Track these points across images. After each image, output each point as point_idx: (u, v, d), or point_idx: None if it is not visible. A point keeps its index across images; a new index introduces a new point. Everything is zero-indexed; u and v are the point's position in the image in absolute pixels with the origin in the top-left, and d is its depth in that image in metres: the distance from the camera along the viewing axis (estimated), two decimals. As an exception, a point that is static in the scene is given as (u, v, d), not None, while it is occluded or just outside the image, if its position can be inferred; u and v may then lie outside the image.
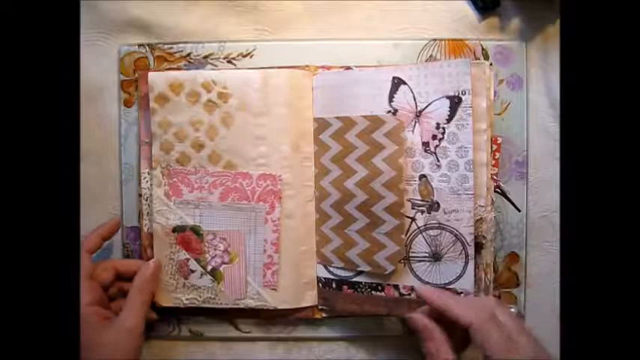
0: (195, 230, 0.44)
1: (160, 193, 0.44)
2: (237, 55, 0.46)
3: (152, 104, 0.44)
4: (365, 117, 0.43)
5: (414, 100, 0.42)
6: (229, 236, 0.44)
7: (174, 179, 0.44)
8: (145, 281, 0.42)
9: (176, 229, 0.44)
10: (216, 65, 0.46)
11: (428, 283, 0.43)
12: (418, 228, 0.43)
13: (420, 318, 0.39)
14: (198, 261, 0.44)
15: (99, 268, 0.42)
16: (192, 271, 0.44)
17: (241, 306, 0.45)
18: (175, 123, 0.44)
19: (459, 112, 0.41)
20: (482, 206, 0.42)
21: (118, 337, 0.39)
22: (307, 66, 0.45)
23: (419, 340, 0.39)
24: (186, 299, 0.45)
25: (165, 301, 0.45)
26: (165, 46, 0.46)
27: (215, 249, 0.44)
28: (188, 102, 0.44)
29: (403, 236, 0.42)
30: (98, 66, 0.47)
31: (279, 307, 0.44)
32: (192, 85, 0.44)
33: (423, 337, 0.38)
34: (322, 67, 0.45)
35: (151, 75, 0.44)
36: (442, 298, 0.38)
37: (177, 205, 0.44)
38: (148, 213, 0.45)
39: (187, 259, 0.44)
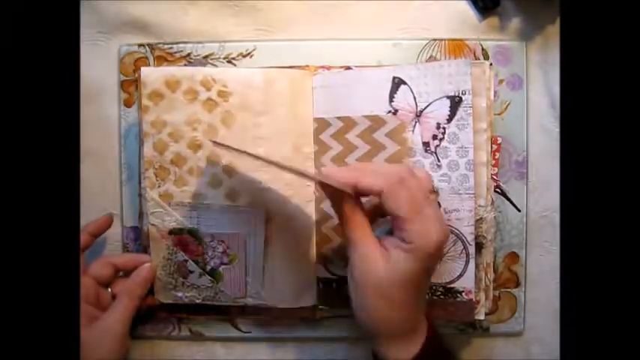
0: (193, 233, 0.43)
1: (154, 195, 0.43)
2: (237, 55, 0.46)
3: (145, 101, 0.42)
4: (366, 117, 0.43)
5: (414, 100, 0.43)
6: (228, 238, 0.44)
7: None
8: (135, 285, 0.42)
9: (173, 232, 0.43)
10: (216, 65, 0.46)
11: (428, 282, 0.43)
12: (418, 228, 0.43)
13: (351, 206, 0.35)
14: (196, 262, 0.44)
15: (97, 266, 0.42)
16: (191, 272, 0.44)
17: (240, 304, 0.44)
18: (170, 122, 0.43)
19: (460, 112, 0.41)
20: (482, 206, 0.42)
21: (98, 338, 0.39)
22: (307, 66, 0.45)
23: (341, 227, 0.36)
24: (186, 297, 0.45)
25: (165, 297, 0.45)
26: (165, 46, 0.46)
27: (214, 250, 0.44)
28: (185, 100, 0.43)
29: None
30: (98, 66, 0.47)
31: (279, 307, 0.44)
32: (190, 82, 0.43)
33: (344, 221, 0.35)
34: (322, 67, 0.45)
35: (144, 70, 0.42)
36: (350, 171, 0.35)
37: (173, 207, 0.43)
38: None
39: (185, 260, 0.44)
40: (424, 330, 0.36)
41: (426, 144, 0.42)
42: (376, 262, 0.34)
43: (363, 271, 0.35)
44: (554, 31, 0.46)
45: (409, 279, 0.34)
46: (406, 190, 0.34)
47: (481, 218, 0.42)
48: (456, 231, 0.42)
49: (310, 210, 0.45)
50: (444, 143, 0.42)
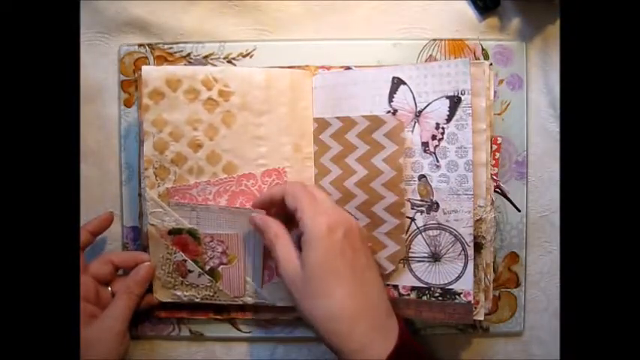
0: (192, 233, 0.43)
1: (153, 195, 0.43)
2: (237, 55, 0.46)
3: (145, 100, 0.42)
4: (365, 117, 0.43)
5: (414, 100, 0.42)
6: (228, 239, 0.44)
7: (176, 197, 0.43)
8: (133, 283, 0.42)
9: (172, 232, 0.43)
10: (216, 65, 0.46)
11: (427, 283, 0.43)
12: (417, 228, 0.43)
13: (261, 217, 0.40)
14: (195, 262, 0.44)
15: (97, 264, 0.43)
16: (190, 271, 0.44)
17: (239, 302, 0.44)
18: (171, 121, 0.43)
19: (459, 112, 0.41)
20: (481, 206, 0.42)
21: (97, 335, 0.39)
22: (307, 66, 0.45)
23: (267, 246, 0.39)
24: (185, 296, 0.45)
25: (165, 296, 0.45)
26: (165, 46, 0.46)
27: (213, 250, 0.44)
28: (186, 99, 0.43)
29: (404, 236, 0.42)
30: (98, 66, 0.47)
31: (278, 305, 0.44)
32: (191, 81, 0.43)
33: (269, 240, 0.38)
34: (322, 67, 0.45)
35: (146, 69, 0.42)
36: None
37: (172, 207, 0.43)
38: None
39: (184, 260, 0.44)
40: (390, 337, 0.35)
41: (425, 144, 0.42)
42: (292, 262, 0.36)
43: (286, 277, 0.36)
44: (554, 31, 0.46)
45: (317, 267, 0.35)
46: (302, 187, 0.38)
47: (481, 218, 0.42)
48: (454, 232, 0.42)
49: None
50: (443, 143, 0.42)
